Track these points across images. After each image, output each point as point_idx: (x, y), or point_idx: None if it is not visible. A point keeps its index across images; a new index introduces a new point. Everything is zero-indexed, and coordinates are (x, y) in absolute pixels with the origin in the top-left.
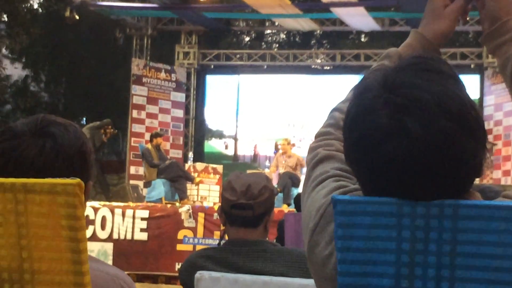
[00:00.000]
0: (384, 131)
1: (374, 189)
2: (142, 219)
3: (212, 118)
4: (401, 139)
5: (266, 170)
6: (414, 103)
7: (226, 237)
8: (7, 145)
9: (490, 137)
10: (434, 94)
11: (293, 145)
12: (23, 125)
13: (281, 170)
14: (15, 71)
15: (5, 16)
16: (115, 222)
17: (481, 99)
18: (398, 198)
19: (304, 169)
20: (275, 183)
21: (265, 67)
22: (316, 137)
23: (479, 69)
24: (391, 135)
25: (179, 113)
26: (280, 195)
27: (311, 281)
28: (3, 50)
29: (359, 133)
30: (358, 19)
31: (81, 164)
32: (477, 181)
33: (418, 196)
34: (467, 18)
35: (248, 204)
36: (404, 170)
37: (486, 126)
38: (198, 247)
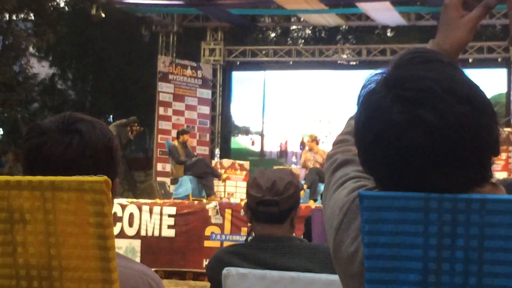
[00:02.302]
0: (399, 127)
1: (397, 188)
2: (170, 215)
3: (239, 114)
4: (418, 131)
5: (293, 166)
6: (423, 94)
7: (254, 234)
8: (34, 142)
9: None
10: (439, 82)
11: (318, 141)
12: (51, 123)
13: (310, 167)
14: (42, 69)
15: (31, 14)
16: (142, 219)
17: (508, 92)
18: (421, 189)
19: None
20: (301, 179)
21: (291, 62)
22: (333, 144)
23: (506, 63)
24: (407, 129)
25: (206, 109)
26: (307, 191)
27: (338, 277)
28: (30, 49)
29: (373, 134)
30: (384, 13)
31: (108, 160)
32: (505, 175)
33: (443, 186)
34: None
35: (273, 200)
36: (426, 160)
37: None
38: (226, 244)
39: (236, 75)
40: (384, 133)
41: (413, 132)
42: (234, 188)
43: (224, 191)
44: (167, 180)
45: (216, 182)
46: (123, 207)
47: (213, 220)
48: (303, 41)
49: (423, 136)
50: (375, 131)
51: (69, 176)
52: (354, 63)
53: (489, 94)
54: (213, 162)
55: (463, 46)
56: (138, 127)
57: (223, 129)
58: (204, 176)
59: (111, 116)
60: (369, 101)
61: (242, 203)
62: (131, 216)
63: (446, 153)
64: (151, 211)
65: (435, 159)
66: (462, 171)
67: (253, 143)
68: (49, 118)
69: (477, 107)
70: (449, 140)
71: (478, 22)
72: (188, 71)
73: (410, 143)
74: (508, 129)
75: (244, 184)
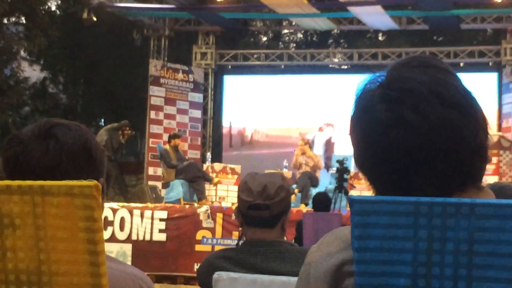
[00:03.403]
0: (383, 124)
1: (384, 186)
2: (161, 220)
3: (230, 118)
4: (400, 130)
5: (284, 170)
6: (407, 94)
7: (244, 238)
8: (13, 152)
9: (508, 135)
10: (425, 84)
11: (310, 144)
12: (28, 131)
13: (303, 170)
14: (34, 73)
15: (23, 18)
16: (133, 223)
17: (499, 97)
18: (407, 191)
19: (323, 174)
20: (292, 183)
21: (283, 66)
22: None
23: (497, 67)
24: (390, 127)
25: (197, 113)
26: (299, 195)
27: None
28: (21, 52)
29: (361, 131)
30: (376, 17)
31: (87, 161)
32: (495, 179)
33: (423, 187)
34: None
35: (264, 204)
36: (407, 160)
37: (505, 124)
38: (217, 248)
39: (228, 79)
40: (369, 131)
41: (395, 130)
42: (225, 192)
43: (216, 195)
44: (159, 184)
45: (207, 186)
46: (114, 211)
47: (204, 224)
48: (294, 45)
49: (404, 135)
50: (362, 128)
51: (50, 181)
52: (345, 67)
53: (480, 98)
54: (205, 166)
55: None
56: (129, 131)
57: (214, 133)
58: (196, 180)
59: (103, 120)
60: (360, 99)
61: (233, 207)
62: (122, 220)
63: (426, 154)
64: (142, 215)
65: (415, 159)
66: (441, 173)
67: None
68: (27, 127)
69: (462, 112)
70: (430, 141)
71: None
72: (180, 75)
73: (392, 141)
74: (499, 133)
75: (235, 188)
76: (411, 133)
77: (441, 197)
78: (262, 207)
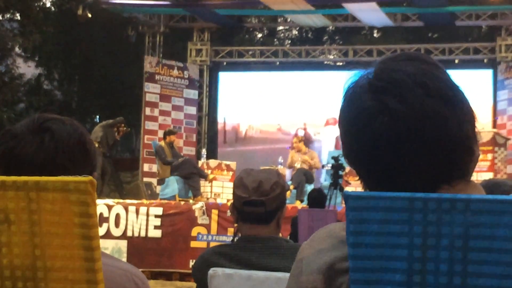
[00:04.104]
0: (367, 112)
1: (370, 178)
2: (156, 216)
3: (225, 115)
4: (384, 118)
5: (280, 167)
6: (392, 84)
7: (240, 234)
8: (7, 146)
9: (503, 132)
10: (411, 75)
11: (305, 142)
12: (22, 126)
13: (298, 167)
14: (28, 69)
15: (18, 14)
16: (129, 219)
17: (494, 94)
18: (393, 183)
19: (318, 170)
20: (287, 179)
21: (278, 63)
22: None
23: (492, 64)
24: (374, 115)
25: (192, 110)
26: (294, 191)
27: None
28: (16, 49)
29: (347, 121)
30: (371, 14)
31: (82, 155)
32: (490, 176)
33: (409, 177)
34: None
35: (260, 200)
36: (392, 149)
37: (500, 121)
38: (212, 244)
39: (223, 76)
40: (355, 119)
41: (379, 119)
42: (220, 188)
43: (211, 192)
44: (154, 181)
45: (202, 182)
46: (110, 207)
47: (199, 221)
48: (289, 41)
49: (389, 124)
50: (349, 118)
51: (46, 175)
52: (340, 63)
53: (475, 95)
54: (200, 163)
55: None
56: (124, 128)
57: (209, 129)
58: (191, 176)
59: (98, 117)
60: (347, 92)
61: (229, 204)
62: (117, 216)
63: (410, 143)
64: (137, 212)
65: (400, 148)
66: (427, 164)
67: None
68: (20, 122)
69: (447, 103)
70: (414, 130)
71: None
72: (175, 72)
73: (376, 130)
74: (494, 130)
75: (231, 184)
76: (396, 122)
77: (428, 190)
78: (257, 203)
